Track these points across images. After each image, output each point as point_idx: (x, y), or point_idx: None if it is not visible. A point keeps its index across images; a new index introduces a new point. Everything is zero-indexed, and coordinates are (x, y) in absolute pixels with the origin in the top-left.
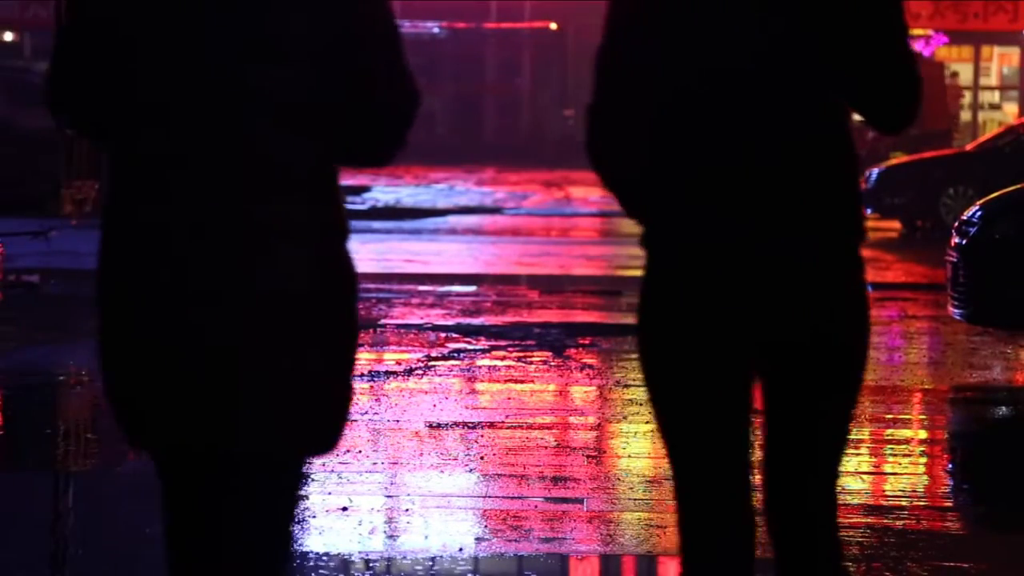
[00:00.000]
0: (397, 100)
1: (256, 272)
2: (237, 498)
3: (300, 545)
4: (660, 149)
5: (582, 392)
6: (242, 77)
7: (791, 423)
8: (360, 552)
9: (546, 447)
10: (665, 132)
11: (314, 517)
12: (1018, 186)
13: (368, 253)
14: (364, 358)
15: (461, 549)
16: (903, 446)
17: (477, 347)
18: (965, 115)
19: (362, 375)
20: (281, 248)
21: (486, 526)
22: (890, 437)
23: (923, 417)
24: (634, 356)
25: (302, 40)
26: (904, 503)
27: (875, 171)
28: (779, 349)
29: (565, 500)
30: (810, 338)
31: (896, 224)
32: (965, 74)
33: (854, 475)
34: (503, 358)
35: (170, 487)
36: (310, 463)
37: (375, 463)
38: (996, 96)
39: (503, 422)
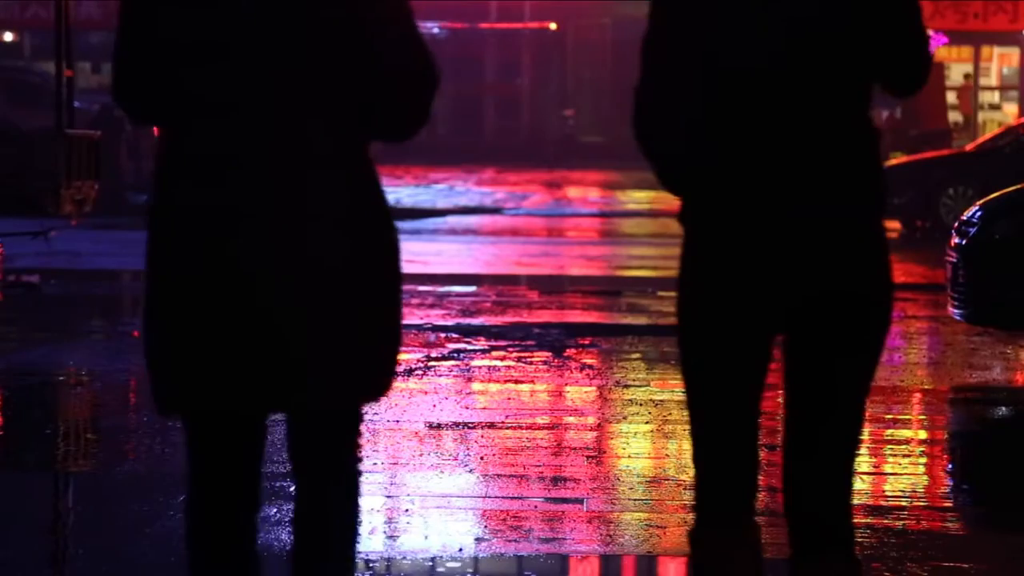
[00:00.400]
0: (418, 77)
1: (300, 247)
2: (312, 445)
3: None
4: (703, 128)
5: (582, 392)
6: (279, 67)
7: (815, 381)
8: (360, 552)
9: (546, 447)
10: (708, 112)
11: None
12: (1018, 186)
13: None
14: None
15: (461, 549)
16: (903, 446)
17: (477, 347)
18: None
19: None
20: (322, 222)
21: (486, 526)
22: (890, 437)
23: (923, 417)
24: (634, 356)
25: (336, 30)
26: (904, 503)
27: None
28: (809, 308)
29: (565, 500)
30: (838, 296)
31: (896, 224)
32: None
33: (854, 475)
34: (503, 358)
35: (207, 447)
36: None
37: (375, 463)
38: (996, 96)
39: (503, 422)
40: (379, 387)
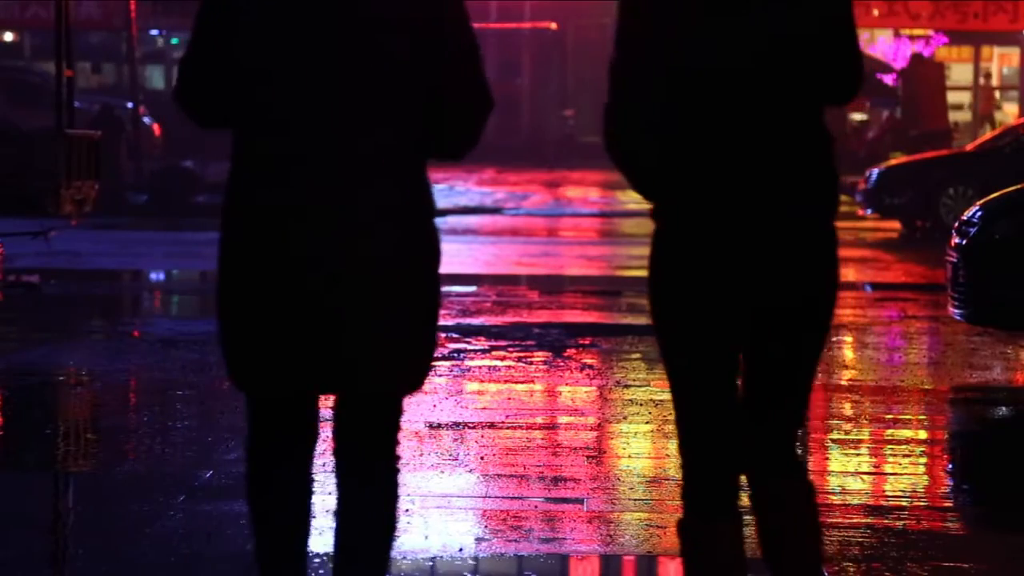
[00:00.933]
0: (474, 106)
1: (357, 243)
2: (359, 424)
3: None
4: (669, 137)
5: (582, 392)
6: (350, 86)
7: (778, 352)
8: None
9: (546, 447)
10: (673, 123)
11: (314, 517)
12: (1018, 186)
13: None
14: None
15: (461, 549)
16: (903, 446)
17: (477, 347)
18: (964, 115)
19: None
20: (376, 224)
21: (486, 526)
22: (890, 437)
23: (923, 417)
24: (634, 356)
25: (399, 57)
26: (904, 503)
27: (875, 171)
28: (767, 299)
29: (565, 500)
30: (792, 289)
31: (896, 224)
32: (965, 74)
33: (854, 475)
34: (503, 358)
35: (267, 419)
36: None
37: None
38: (996, 96)
39: (503, 422)
40: (418, 377)
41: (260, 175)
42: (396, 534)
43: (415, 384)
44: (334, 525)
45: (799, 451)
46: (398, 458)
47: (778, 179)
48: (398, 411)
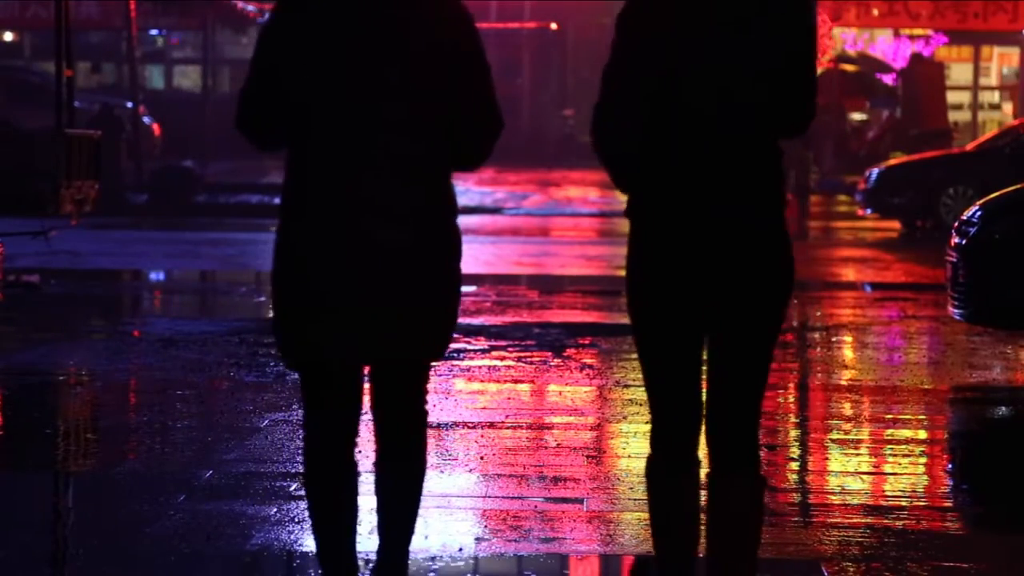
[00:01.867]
0: (488, 126)
1: (391, 236)
2: (392, 388)
3: (300, 545)
4: (647, 142)
5: (582, 392)
6: (388, 105)
7: (734, 350)
8: (360, 552)
9: (546, 447)
10: (651, 130)
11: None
12: (1018, 186)
13: None
14: None
15: (461, 549)
16: (903, 446)
17: (477, 347)
18: (965, 115)
19: (362, 375)
20: (407, 221)
21: (486, 526)
22: (890, 437)
23: (923, 417)
24: (634, 356)
25: (428, 89)
26: (904, 503)
27: (875, 171)
28: (726, 288)
29: (565, 500)
30: (750, 279)
31: (896, 224)
32: (965, 74)
33: (854, 475)
34: (503, 358)
35: (319, 392)
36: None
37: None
38: (996, 96)
39: (503, 422)
40: (441, 346)
41: (313, 184)
42: (427, 454)
43: (438, 352)
44: (375, 472)
45: (757, 449)
46: (426, 413)
47: (735, 185)
48: (425, 376)
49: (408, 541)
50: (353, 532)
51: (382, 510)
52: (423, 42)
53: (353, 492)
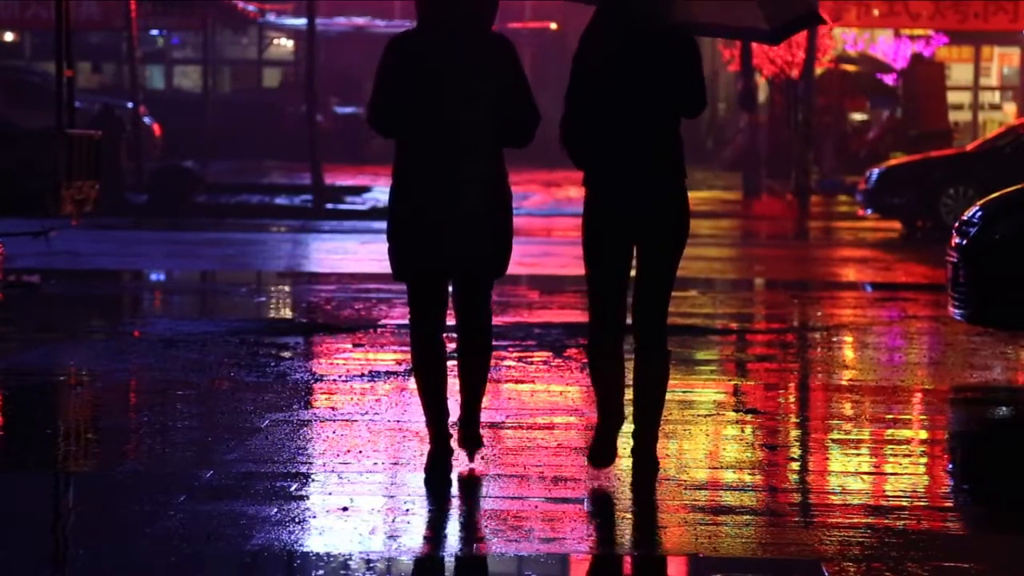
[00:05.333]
0: (529, 120)
1: (467, 193)
2: (468, 295)
3: (300, 545)
4: (589, 136)
5: (582, 392)
6: (464, 104)
7: (650, 266)
8: (360, 552)
9: (546, 447)
10: (593, 129)
11: (314, 517)
12: (1018, 186)
13: (368, 253)
14: (365, 358)
15: (461, 549)
16: (903, 446)
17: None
18: (965, 115)
19: (362, 375)
20: (477, 183)
21: (486, 526)
22: (890, 437)
23: (923, 417)
24: (633, 356)
25: (488, 94)
26: (904, 503)
27: (875, 171)
28: (647, 225)
29: (565, 500)
30: (661, 220)
31: (896, 224)
32: (965, 74)
33: (854, 475)
34: (503, 358)
35: (420, 300)
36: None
37: (375, 463)
38: (996, 96)
39: (503, 422)
40: (502, 269)
41: (416, 161)
42: (491, 331)
43: (499, 273)
44: (457, 352)
45: (665, 332)
46: (491, 313)
47: (651, 159)
48: (489, 289)
49: (481, 397)
50: (444, 390)
51: (464, 376)
52: (485, 71)
53: (444, 363)
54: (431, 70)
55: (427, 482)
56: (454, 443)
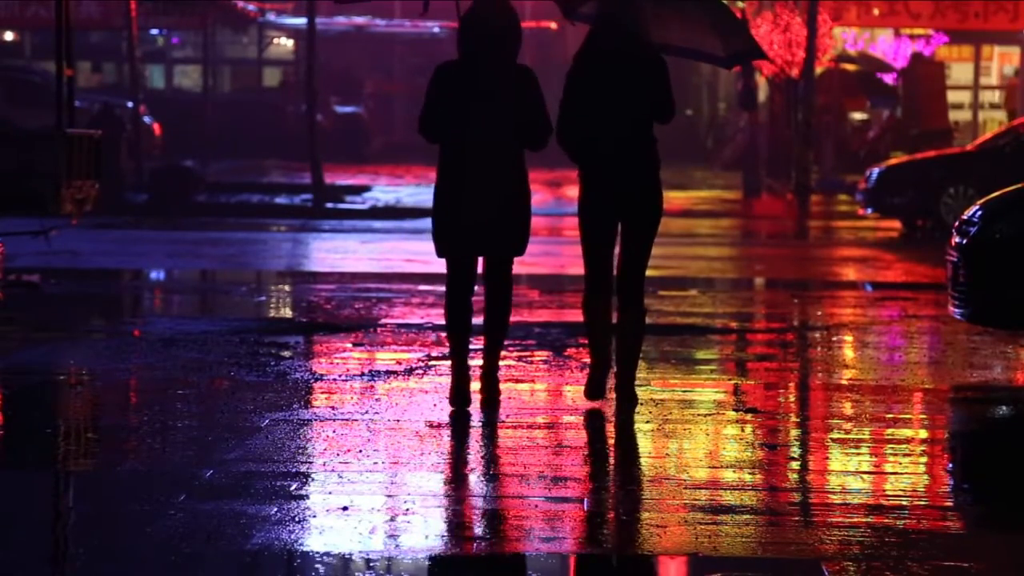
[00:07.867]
0: (543, 128)
1: (497, 184)
2: (495, 268)
3: (300, 544)
4: (582, 135)
5: (582, 392)
6: (493, 119)
7: (631, 240)
8: (360, 552)
9: (546, 447)
10: (588, 130)
11: (314, 517)
12: (1018, 186)
13: (368, 253)
14: (364, 358)
15: (461, 549)
16: (903, 446)
17: (477, 347)
18: (965, 115)
19: (362, 375)
20: (506, 177)
21: (486, 526)
22: (890, 437)
23: (923, 417)
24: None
25: (512, 112)
26: (904, 503)
27: (875, 171)
28: (629, 207)
29: (565, 500)
30: (640, 203)
31: (896, 224)
32: (965, 74)
33: (854, 474)
34: (503, 358)
35: (456, 271)
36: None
37: (375, 463)
38: (996, 96)
39: (503, 422)
40: (522, 248)
41: (456, 160)
42: (512, 301)
43: (520, 251)
44: (485, 298)
45: (643, 293)
46: (512, 281)
47: (632, 152)
48: (511, 264)
49: (501, 344)
50: (468, 343)
51: (488, 323)
52: (511, 94)
53: (470, 321)
54: (468, 92)
55: (452, 415)
56: (474, 408)
